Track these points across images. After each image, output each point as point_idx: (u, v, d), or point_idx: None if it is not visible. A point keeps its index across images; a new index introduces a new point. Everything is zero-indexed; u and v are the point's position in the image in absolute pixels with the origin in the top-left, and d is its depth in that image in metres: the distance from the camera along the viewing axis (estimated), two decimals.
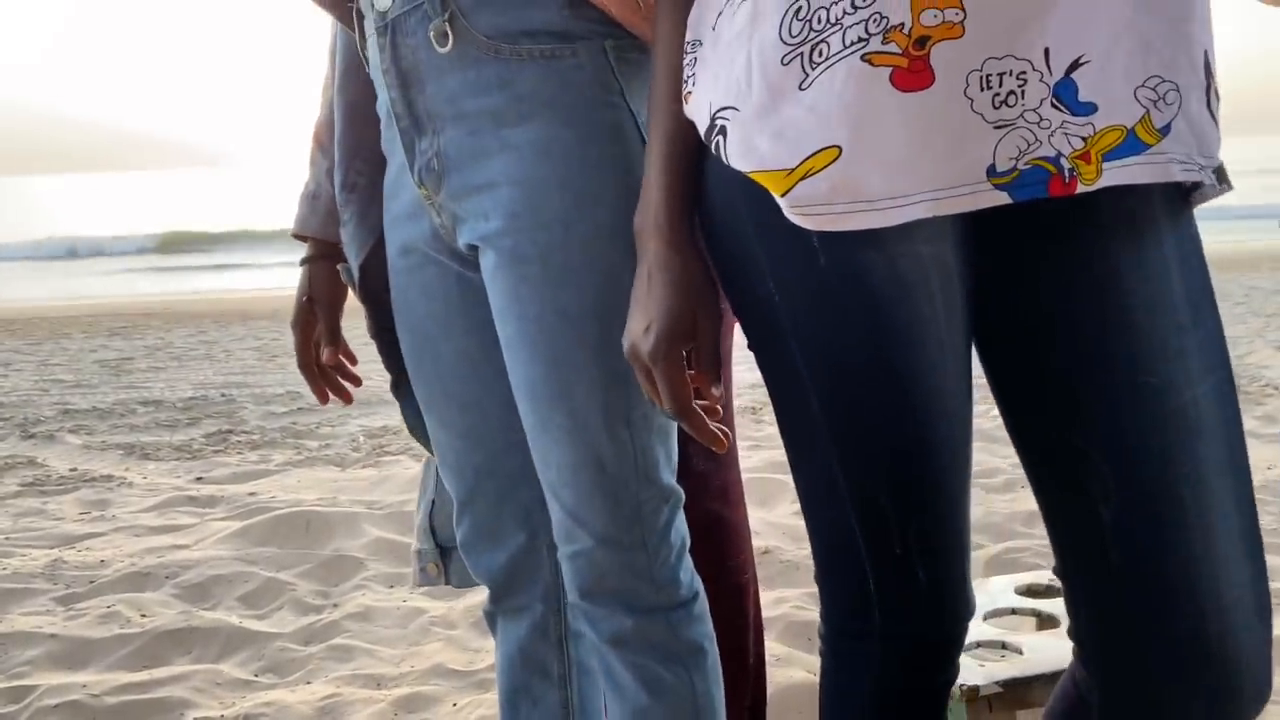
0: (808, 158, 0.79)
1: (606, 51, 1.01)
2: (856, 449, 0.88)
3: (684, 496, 1.10)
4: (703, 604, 1.12)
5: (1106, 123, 0.77)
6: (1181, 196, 0.84)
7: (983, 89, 0.76)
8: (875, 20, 0.75)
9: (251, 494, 3.55)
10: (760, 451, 3.85)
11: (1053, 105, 0.77)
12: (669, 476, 1.08)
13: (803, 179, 0.79)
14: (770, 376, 0.92)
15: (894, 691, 0.98)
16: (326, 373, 1.33)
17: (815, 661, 2.10)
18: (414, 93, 1.05)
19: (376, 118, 1.14)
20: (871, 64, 0.76)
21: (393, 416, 4.79)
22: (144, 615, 2.49)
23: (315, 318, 1.30)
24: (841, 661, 0.99)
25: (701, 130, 0.86)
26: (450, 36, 1.01)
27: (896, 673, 0.97)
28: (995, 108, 0.76)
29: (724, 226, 0.88)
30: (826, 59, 0.77)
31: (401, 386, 1.24)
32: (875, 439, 0.88)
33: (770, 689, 1.92)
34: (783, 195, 0.80)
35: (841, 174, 0.78)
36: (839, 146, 0.78)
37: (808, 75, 0.78)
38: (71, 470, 4.05)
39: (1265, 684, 0.83)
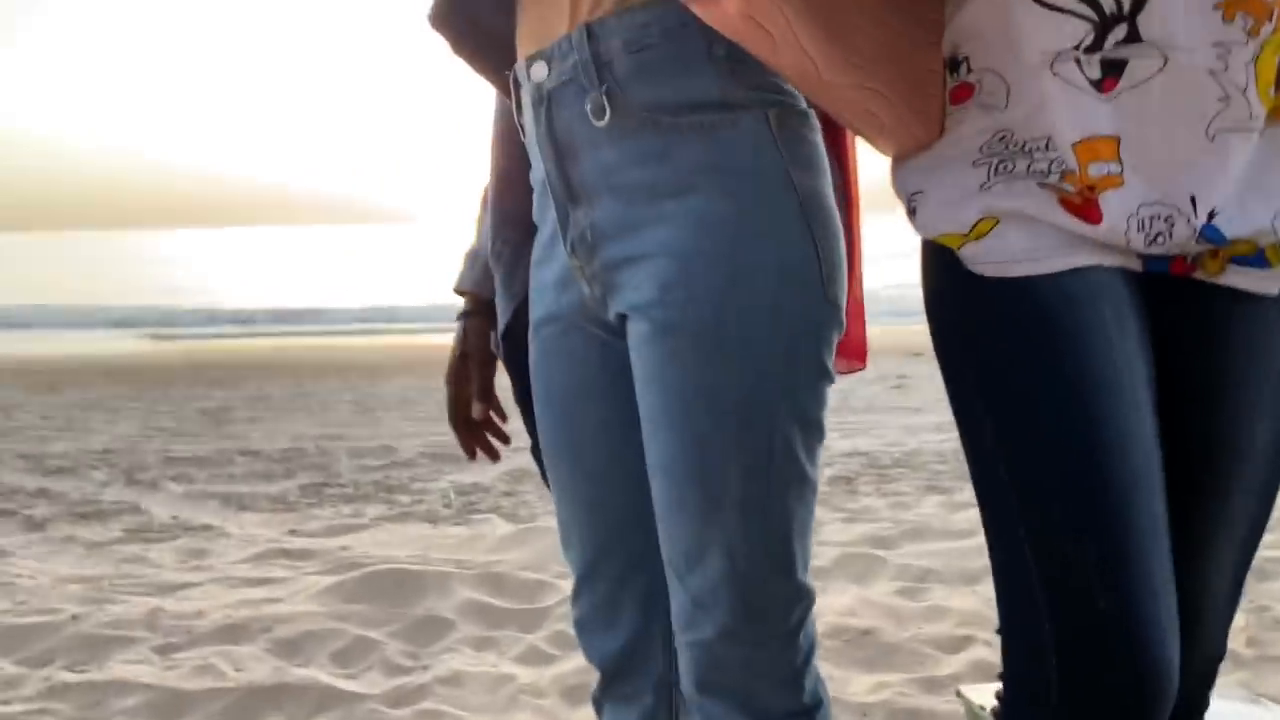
0: (975, 224, 0.94)
1: (769, 120, 0.97)
2: (1026, 456, 0.89)
3: (815, 598, 1.05)
4: (825, 714, 1.06)
5: (1242, 239, 0.89)
6: None
7: (1139, 229, 0.89)
8: (1057, 163, 0.90)
9: (344, 548, 3.57)
10: (856, 525, 3.76)
11: (1197, 241, 0.89)
12: (804, 575, 1.03)
13: (975, 240, 0.94)
14: (958, 414, 0.96)
15: None
16: (476, 429, 1.31)
17: None
18: (569, 164, 1.02)
19: (526, 186, 1.12)
20: (1043, 188, 0.91)
21: (483, 474, 4.81)
22: (238, 669, 2.50)
23: (469, 373, 1.28)
24: None
25: (904, 206, 1.01)
26: (608, 109, 0.98)
27: None
28: (1146, 245, 0.90)
29: (926, 287, 1.00)
30: (1010, 174, 0.92)
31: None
32: (1046, 446, 0.88)
33: None
34: (959, 249, 0.95)
35: (1001, 237, 0.93)
36: (997, 218, 0.93)
37: (989, 180, 0.93)
38: (173, 518, 4.13)
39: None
